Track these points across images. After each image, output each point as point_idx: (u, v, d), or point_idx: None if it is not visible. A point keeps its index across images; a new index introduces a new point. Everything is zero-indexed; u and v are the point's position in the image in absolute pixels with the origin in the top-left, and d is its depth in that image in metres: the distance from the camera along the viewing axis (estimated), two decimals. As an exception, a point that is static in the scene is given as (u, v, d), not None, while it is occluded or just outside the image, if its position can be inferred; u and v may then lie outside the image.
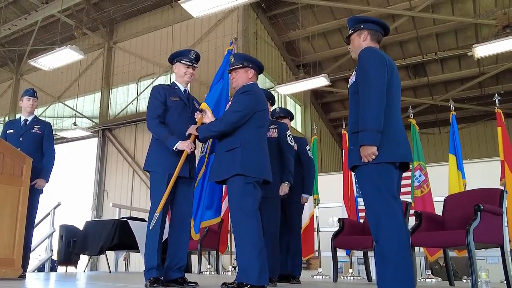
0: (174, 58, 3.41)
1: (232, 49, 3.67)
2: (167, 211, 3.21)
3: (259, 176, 2.95)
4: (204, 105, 3.35)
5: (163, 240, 3.15)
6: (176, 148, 3.07)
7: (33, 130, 4.35)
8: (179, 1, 7.44)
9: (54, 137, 4.62)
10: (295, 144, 4.23)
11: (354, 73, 2.63)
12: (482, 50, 8.24)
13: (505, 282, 3.42)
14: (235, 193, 2.91)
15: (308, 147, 4.54)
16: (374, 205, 2.43)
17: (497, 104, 5.14)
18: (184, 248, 3.22)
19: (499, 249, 3.42)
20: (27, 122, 4.39)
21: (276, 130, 4.05)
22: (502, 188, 4.43)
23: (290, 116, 4.52)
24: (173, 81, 3.43)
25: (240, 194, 2.89)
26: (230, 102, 3.21)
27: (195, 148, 3.23)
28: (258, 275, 2.71)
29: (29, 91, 4.48)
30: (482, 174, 6.28)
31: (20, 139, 4.24)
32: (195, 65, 3.39)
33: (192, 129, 3.12)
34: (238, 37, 11.19)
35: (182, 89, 3.37)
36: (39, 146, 4.33)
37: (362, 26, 2.70)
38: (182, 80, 3.38)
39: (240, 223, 2.87)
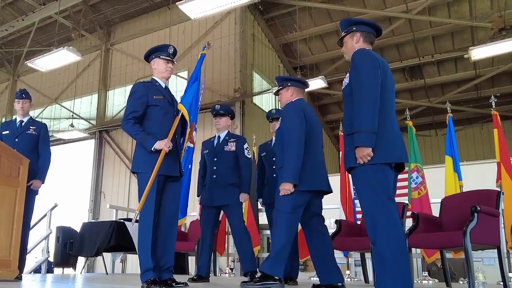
0: (152, 54, 3.35)
1: (205, 53, 3.65)
2: (157, 212, 3.17)
3: (304, 188, 3.05)
4: (180, 106, 3.34)
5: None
6: (154, 148, 3.05)
7: (29, 131, 4.32)
8: (176, 3, 7.44)
9: (51, 139, 4.61)
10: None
11: (347, 75, 2.65)
12: (478, 53, 8.28)
13: (501, 283, 3.43)
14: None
15: None
16: (370, 206, 2.44)
17: (493, 106, 5.16)
18: (172, 249, 3.21)
19: (495, 250, 3.43)
20: (23, 123, 4.37)
21: (234, 144, 4.25)
22: (499, 189, 4.44)
23: None
24: (152, 78, 3.36)
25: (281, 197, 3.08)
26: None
27: (183, 147, 3.28)
28: (273, 266, 2.96)
29: (17, 94, 4.44)
30: (479, 175, 6.30)
31: (16, 140, 4.22)
32: (174, 60, 3.37)
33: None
34: (236, 39, 11.22)
35: (163, 86, 3.34)
36: (34, 147, 4.30)
37: (354, 28, 2.73)
38: (162, 76, 3.34)
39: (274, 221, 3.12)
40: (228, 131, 4.41)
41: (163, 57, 3.31)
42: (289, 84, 3.40)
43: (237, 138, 4.36)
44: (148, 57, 3.38)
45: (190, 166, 3.57)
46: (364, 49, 2.64)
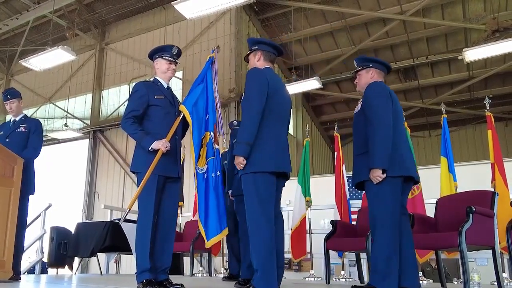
0: (155, 53, 3.35)
1: (213, 57, 3.65)
2: (157, 212, 3.15)
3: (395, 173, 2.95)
4: (182, 107, 3.33)
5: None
6: (151, 148, 3.04)
7: (19, 129, 4.24)
8: (172, 3, 7.42)
9: (45, 138, 4.56)
10: None
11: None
12: (472, 54, 8.33)
13: (495, 283, 3.45)
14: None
15: None
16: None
17: (487, 108, 5.19)
18: (169, 250, 3.19)
19: (489, 250, 3.45)
20: (15, 122, 4.33)
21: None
22: (493, 190, 4.47)
23: None
24: (155, 77, 3.36)
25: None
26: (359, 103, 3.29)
27: (181, 147, 3.31)
28: (387, 280, 2.85)
29: (3, 96, 4.37)
30: (473, 176, 6.33)
31: (7, 140, 4.15)
32: (177, 60, 3.37)
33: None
34: (231, 39, 11.21)
35: (165, 85, 3.34)
36: (25, 144, 4.21)
37: (256, 47, 3.11)
38: (164, 76, 3.34)
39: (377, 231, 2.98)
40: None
41: (166, 57, 3.31)
42: (370, 65, 3.29)
43: None
44: (152, 56, 3.38)
45: (218, 173, 3.49)
46: (257, 68, 3.00)
